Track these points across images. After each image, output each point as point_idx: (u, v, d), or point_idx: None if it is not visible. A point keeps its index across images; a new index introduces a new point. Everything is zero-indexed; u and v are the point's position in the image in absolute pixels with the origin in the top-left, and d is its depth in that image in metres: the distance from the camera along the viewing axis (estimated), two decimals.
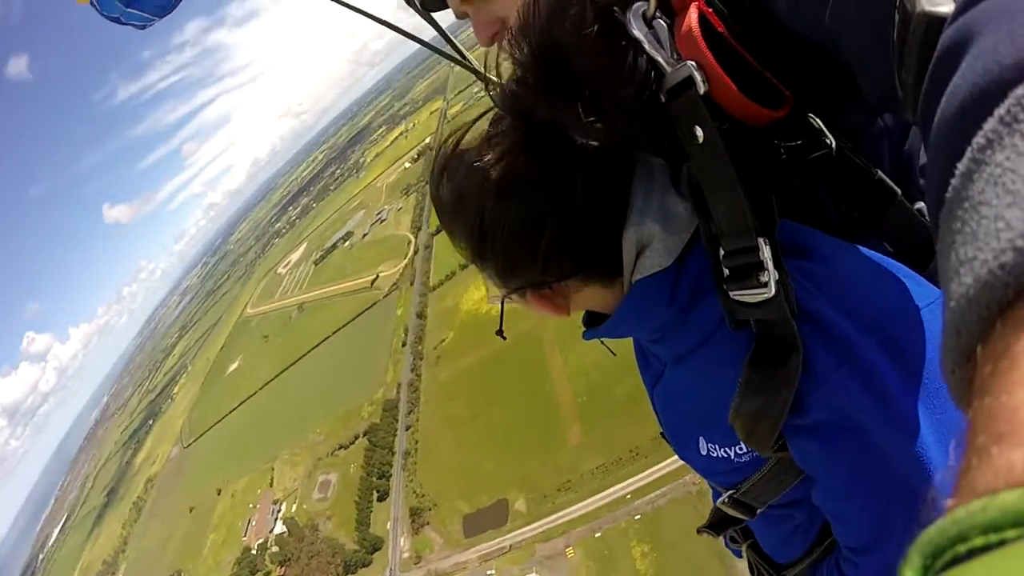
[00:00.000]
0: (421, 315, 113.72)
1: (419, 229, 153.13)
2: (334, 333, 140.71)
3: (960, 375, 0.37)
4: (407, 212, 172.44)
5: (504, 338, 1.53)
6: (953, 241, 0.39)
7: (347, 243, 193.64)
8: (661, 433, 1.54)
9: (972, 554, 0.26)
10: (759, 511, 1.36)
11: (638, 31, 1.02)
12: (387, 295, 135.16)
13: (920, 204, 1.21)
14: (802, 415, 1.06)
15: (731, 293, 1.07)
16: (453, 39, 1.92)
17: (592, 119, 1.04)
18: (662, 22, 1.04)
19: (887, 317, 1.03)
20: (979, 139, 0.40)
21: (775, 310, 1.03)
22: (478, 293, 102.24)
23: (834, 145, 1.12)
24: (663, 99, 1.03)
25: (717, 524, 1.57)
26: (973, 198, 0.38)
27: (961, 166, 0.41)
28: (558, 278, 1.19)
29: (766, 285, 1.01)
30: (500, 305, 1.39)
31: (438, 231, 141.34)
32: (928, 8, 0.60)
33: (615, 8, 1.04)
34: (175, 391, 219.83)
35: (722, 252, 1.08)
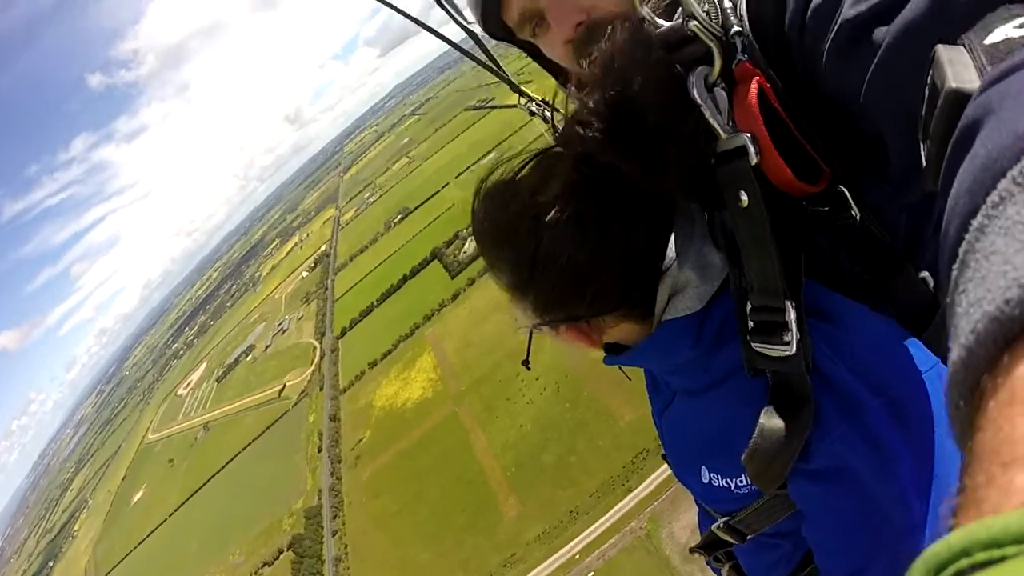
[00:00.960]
0: (334, 418, 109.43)
1: (323, 334, 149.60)
2: (244, 448, 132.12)
3: (966, 410, 0.38)
4: (309, 319, 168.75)
5: (529, 368, 1.55)
6: (965, 289, 0.40)
7: (249, 357, 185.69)
8: (663, 455, 1.62)
9: (974, 568, 0.27)
10: (749, 537, 1.41)
11: (698, 95, 1.05)
12: (297, 403, 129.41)
13: (924, 273, 1.24)
14: (807, 461, 1.11)
15: (753, 344, 1.11)
16: (492, 53, 1.83)
17: (655, 172, 1.07)
18: (722, 90, 1.07)
19: (893, 380, 1.06)
20: (993, 197, 0.42)
21: (793, 366, 1.06)
22: (391, 388, 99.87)
23: (858, 217, 1.14)
24: (711, 161, 1.07)
25: (708, 546, 1.61)
26: (985, 249, 0.40)
27: (975, 222, 0.42)
28: (599, 314, 1.23)
29: (788, 344, 1.05)
30: (528, 336, 1.40)
31: (342, 334, 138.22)
32: (956, 85, 0.63)
33: (678, 67, 1.07)
34: (76, 528, 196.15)
35: (749, 306, 1.12)
